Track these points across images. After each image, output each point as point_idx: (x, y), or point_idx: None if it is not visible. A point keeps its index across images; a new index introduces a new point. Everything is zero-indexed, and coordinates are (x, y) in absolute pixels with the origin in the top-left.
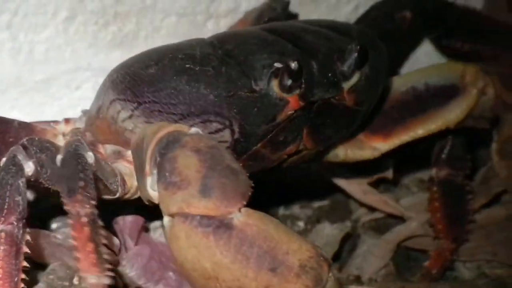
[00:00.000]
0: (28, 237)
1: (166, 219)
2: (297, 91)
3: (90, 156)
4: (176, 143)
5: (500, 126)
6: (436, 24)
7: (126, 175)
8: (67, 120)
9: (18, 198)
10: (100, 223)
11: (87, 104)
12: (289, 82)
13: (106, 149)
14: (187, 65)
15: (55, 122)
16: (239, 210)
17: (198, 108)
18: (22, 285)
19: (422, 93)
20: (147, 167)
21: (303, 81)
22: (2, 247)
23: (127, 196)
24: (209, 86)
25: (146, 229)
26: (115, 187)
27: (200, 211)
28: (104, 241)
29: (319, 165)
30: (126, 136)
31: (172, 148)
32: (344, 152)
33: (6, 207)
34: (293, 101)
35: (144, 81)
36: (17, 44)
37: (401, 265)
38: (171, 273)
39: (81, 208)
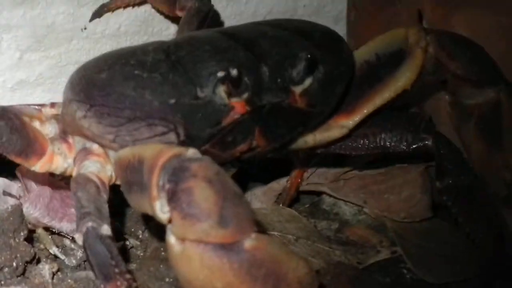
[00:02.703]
0: None
1: (176, 241)
2: (245, 96)
3: (106, 229)
4: (185, 171)
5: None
6: None
7: (100, 172)
8: (52, 104)
9: None
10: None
11: None
12: (231, 89)
13: (75, 141)
14: (136, 72)
15: (42, 105)
16: (250, 235)
17: (143, 113)
18: None
19: (374, 64)
20: (154, 191)
21: (248, 86)
22: None
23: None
24: (154, 92)
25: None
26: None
27: (217, 240)
28: None
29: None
30: (85, 132)
31: (183, 178)
32: (312, 137)
33: None
34: (239, 106)
35: (95, 85)
36: None
37: None
38: (73, 210)
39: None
